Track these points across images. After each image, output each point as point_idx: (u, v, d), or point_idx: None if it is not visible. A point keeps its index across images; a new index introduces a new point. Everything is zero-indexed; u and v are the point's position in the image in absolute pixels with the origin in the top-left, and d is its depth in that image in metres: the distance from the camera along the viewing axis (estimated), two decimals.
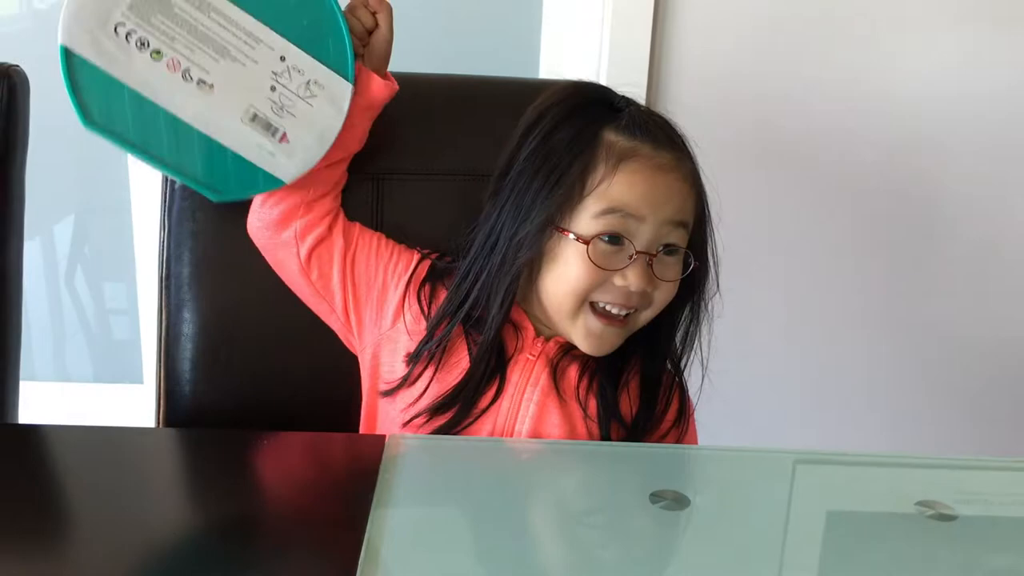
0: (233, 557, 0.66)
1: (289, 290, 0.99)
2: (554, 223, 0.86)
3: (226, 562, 0.65)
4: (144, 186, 1.64)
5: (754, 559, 0.66)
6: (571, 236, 0.86)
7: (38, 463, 0.79)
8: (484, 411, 0.90)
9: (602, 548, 0.67)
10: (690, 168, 0.89)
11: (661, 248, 0.87)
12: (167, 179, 1.00)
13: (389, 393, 0.92)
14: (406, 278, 0.94)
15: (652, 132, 0.88)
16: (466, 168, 1.02)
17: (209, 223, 1.00)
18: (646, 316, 0.89)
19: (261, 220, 0.93)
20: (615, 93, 0.93)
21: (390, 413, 0.93)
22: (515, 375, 0.91)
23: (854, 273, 1.70)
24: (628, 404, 0.93)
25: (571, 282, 0.86)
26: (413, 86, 1.06)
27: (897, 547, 0.67)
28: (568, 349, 0.92)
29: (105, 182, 1.74)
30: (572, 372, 0.92)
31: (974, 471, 0.82)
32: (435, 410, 0.89)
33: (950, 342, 1.76)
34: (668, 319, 0.93)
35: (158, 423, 1.02)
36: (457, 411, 0.90)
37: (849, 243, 1.68)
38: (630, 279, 0.85)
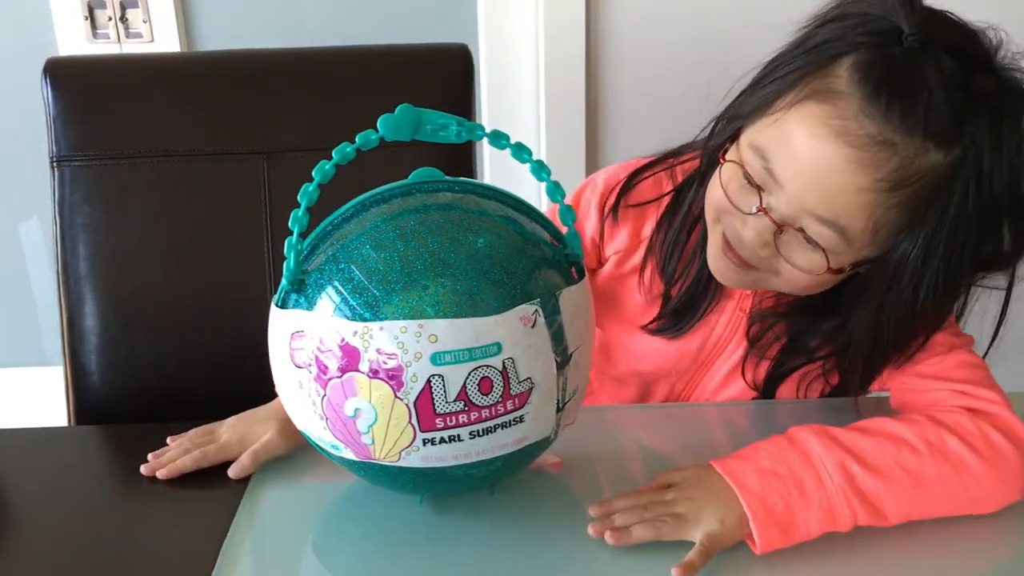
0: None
1: (187, 276, 0.99)
2: (735, 124, 0.74)
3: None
4: None
5: None
6: (727, 147, 0.74)
7: None
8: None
9: None
10: (895, 168, 0.65)
11: (799, 227, 0.70)
12: (55, 171, 0.99)
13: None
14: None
15: (891, 88, 0.64)
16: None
17: (100, 214, 0.99)
18: (778, 285, 0.75)
19: None
20: (917, 19, 0.65)
21: None
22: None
23: None
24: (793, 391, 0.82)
25: (709, 191, 0.76)
26: (303, 60, 1.05)
27: None
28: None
29: None
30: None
31: None
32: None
33: None
34: (834, 321, 0.77)
35: (68, 419, 1.01)
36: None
37: None
38: (742, 231, 0.72)
